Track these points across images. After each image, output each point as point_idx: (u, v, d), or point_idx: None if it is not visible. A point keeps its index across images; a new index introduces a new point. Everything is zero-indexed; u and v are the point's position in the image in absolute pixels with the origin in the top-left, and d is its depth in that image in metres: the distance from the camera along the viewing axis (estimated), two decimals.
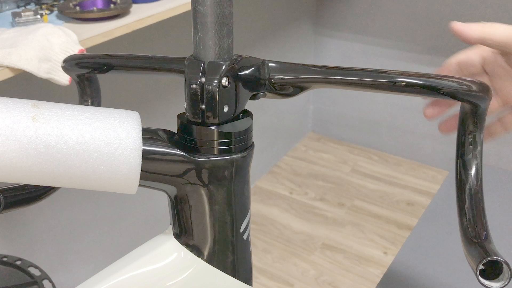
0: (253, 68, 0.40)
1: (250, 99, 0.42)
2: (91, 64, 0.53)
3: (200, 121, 0.39)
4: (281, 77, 0.41)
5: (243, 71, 0.39)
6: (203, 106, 0.38)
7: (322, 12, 2.32)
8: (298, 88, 0.42)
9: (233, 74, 0.38)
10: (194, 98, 0.38)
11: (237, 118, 0.40)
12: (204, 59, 0.38)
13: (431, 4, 2.03)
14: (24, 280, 1.03)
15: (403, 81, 0.38)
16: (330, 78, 0.41)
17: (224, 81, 0.38)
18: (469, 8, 1.95)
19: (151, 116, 1.58)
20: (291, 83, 0.42)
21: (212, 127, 0.39)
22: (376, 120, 2.36)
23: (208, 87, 0.37)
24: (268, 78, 0.41)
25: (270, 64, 0.42)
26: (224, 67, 0.38)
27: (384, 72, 0.39)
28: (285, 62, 0.42)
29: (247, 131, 0.41)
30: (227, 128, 0.39)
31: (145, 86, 1.55)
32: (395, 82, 0.38)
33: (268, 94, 0.43)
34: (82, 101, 0.57)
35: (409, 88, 0.38)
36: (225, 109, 0.38)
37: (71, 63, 0.54)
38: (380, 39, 2.20)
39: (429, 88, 0.38)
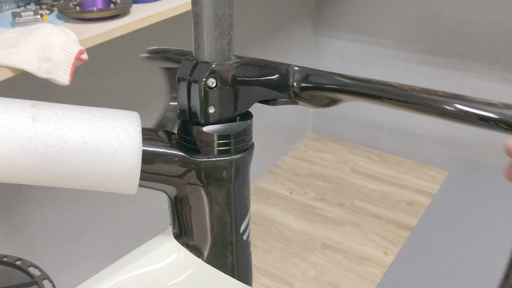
0: (259, 72, 0.39)
1: (269, 104, 0.42)
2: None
3: (187, 119, 0.39)
4: (306, 85, 0.40)
5: (244, 75, 0.39)
6: (189, 105, 0.38)
7: (322, 12, 2.32)
8: (330, 101, 0.40)
9: (225, 75, 0.38)
10: (182, 96, 0.38)
11: (236, 119, 0.40)
12: (198, 59, 0.38)
13: (430, 5, 2.03)
14: (24, 280, 1.03)
15: (475, 114, 0.32)
16: (373, 95, 0.36)
17: (211, 82, 0.37)
18: (468, 7, 1.95)
19: (151, 116, 1.58)
20: (321, 94, 0.39)
21: (204, 128, 0.38)
22: (376, 120, 2.36)
23: (193, 86, 0.37)
24: (292, 85, 0.40)
25: (295, 68, 0.40)
26: (211, 68, 0.37)
27: (441, 95, 0.33)
28: (320, 71, 0.40)
29: (247, 132, 0.40)
30: (225, 129, 0.39)
31: (145, 86, 1.55)
32: (462, 111, 0.32)
33: (299, 102, 0.41)
34: (171, 95, 0.55)
35: (476, 121, 0.32)
36: (211, 110, 0.38)
37: (157, 56, 0.52)
38: (380, 39, 2.20)
39: (502, 123, 0.32)
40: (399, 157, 2.35)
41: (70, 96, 1.30)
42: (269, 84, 0.40)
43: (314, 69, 0.40)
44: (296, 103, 0.42)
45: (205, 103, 0.38)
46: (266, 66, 0.40)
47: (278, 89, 0.41)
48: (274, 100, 0.41)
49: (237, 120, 0.40)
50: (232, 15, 0.38)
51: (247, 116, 0.41)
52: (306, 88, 0.40)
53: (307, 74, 0.40)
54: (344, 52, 2.32)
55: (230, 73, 0.38)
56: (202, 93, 0.37)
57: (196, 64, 0.38)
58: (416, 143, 2.29)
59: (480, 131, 2.11)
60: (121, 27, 1.06)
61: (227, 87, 0.38)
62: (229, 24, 0.38)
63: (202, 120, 0.38)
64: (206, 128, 0.38)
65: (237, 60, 0.39)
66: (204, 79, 0.37)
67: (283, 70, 0.40)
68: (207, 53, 0.38)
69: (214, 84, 0.37)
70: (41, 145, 0.34)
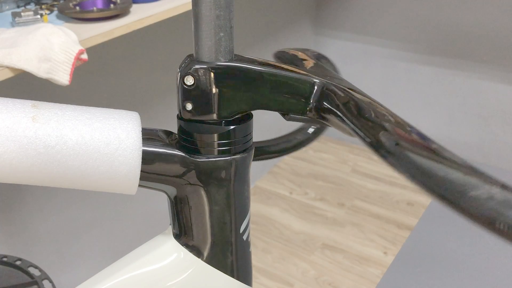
0: (253, 79, 0.38)
1: (284, 116, 0.40)
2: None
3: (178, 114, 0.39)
4: (328, 107, 0.36)
5: (229, 79, 0.38)
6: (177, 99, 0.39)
7: (322, 12, 2.32)
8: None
9: (202, 75, 0.37)
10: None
11: (236, 119, 0.40)
12: (192, 56, 0.39)
13: (430, 5, 2.03)
14: (24, 280, 1.03)
15: None
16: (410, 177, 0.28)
17: (188, 80, 0.37)
18: (469, 7, 1.95)
19: (151, 116, 1.58)
20: (340, 124, 0.35)
21: (187, 125, 0.39)
22: None
23: (178, 81, 0.38)
24: (310, 102, 0.37)
25: (317, 81, 0.37)
26: (191, 66, 0.37)
27: None
28: (355, 95, 0.35)
29: (246, 132, 0.40)
30: (225, 129, 0.39)
31: (145, 86, 1.55)
32: None
33: (322, 123, 0.38)
34: None
35: None
36: (188, 107, 0.38)
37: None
38: (380, 39, 2.20)
39: None
40: None
41: (70, 96, 1.30)
42: (270, 94, 0.38)
43: (348, 90, 0.36)
44: (319, 123, 0.39)
45: (182, 99, 0.38)
46: (271, 75, 0.38)
47: (287, 102, 0.38)
48: (286, 113, 0.39)
49: (237, 120, 0.40)
50: (222, 17, 0.37)
51: (247, 116, 0.41)
52: (327, 111, 0.37)
53: (334, 93, 0.36)
54: (344, 52, 2.32)
55: (208, 74, 0.37)
56: (180, 90, 0.38)
57: (187, 61, 0.38)
58: None
59: (480, 131, 2.11)
60: (121, 27, 1.06)
61: (205, 88, 0.37)
62: (216, 25, 0.37)
63: (181, 115, 0.39)
64: (206, 127, 0.38)
65: (224, 62, 0.38)
66: (183, 76, 0.37)
67: (300, 82, 0.38)
68: (196, 52, 0.38)
69: (191, 82, 0.37)
70: (41, 145, 0.34)
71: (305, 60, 0.46)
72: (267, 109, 0.39)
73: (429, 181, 0.27)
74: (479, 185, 0.25)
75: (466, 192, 0.25)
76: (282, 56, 0.49)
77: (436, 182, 0.26)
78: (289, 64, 0.45)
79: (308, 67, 0.43)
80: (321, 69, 0.42)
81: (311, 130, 0.56)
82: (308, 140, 0.56)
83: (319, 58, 0.50)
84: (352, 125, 0.33)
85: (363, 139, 0.32)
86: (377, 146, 0.30)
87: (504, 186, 0.25)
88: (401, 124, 0.31)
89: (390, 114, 0.32)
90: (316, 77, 0.38)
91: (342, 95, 0.36)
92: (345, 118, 0.34)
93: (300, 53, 0.48)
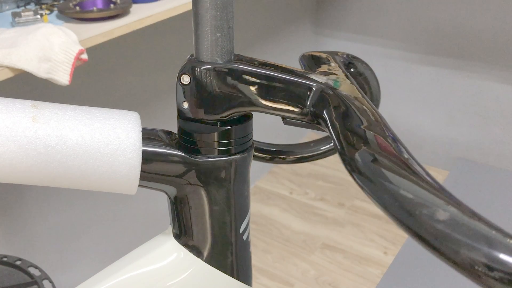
0: (247, 82, 0.37)
1: (283, 121, 0.39)
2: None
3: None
4: (323, 115, 0.35)
5: (223, 81, 0.37)
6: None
7: (322, 12, 2.32)
8: None
9: (196, 75, 0.37)
10: None
11: (235, 119, 0.40)
12: (193, 56, 0.39)
13: (430, 5, 2.03)
14: (24, 280, 1.03)
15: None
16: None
17: (184, 78, 0.38)
18: (468, 7, 1.95)
19: (151, 116, 1.58)
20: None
21: (185, 123, 0.39)
22: None
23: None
24: (305, 107, 0.37)
25: (314, 85, 0.36)
26: (187, 65, 0.37)
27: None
28: (353, 104, 0.33)
29: (246, 132, 0.40)
30: (225, 128, 0.39)
31: (145, 86, 1.55)
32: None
33: (321, 129, 0.36)
34: None
35: None
36: (184, 106, 0.38)
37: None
38: (380, 39, 2.20)
39: None
40: None
41: (70, 96, 1.30)
42: (265, 97, 0.38)
43: (342, 95, 0.35)
44: (316, 129, 0.38)
45: (178, 97, 0.38)
46: (266, 77, 0.38)
47: (283, 105, 0.38)
48: (283, 118, 0.39)
49: (237, 120, 0.40)
50: (219, 17, 0.36)
51: (247, 116, 0.41)
52: (320, 117, 0.36)
53: (330, 98, 0.35)
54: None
55: (204, 74, 0.37)
56: (177, 88, 0.38)
57: (186, 60, 0.38)
58: (416, 143, 2.29)
59: (480, 131, 2.11)
60: (121, 27, 1.06)
61: (199, 87, 0.38)
62: (213, 26, 0.37)
63: (179, 115, 0.39)
64: (206, 127, 0.38)
65: (221, 63, 0.37)
66: (181, 74, 0.38)
67: (296, 85, 0.37)
68: (195, 52, 0.38)
69: (187, 81, 0.38)
70: (41, 145, 0.34)
71: (324, 63, 0.44)
72: (263, 112, 0.39)
73: (383, 198, 0.26)
74: (434, 204, 0.24)
75: (416, 211, 0.24)
76: (303, 58, 0.47)
77: (389, 198, 0.26)
78: (307, 68, 0.44)
79: (321, 71, 0.42)
80: (337, 74, 0.41)
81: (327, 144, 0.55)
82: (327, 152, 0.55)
83: (351, 61, 0.49)
84: (332, 132, 0.32)
85: (336, 147, 0.31)
86: (345, 159, 0.30)
87: (464, 210, 0.24)
88: (379, 145, 0.30)
89: (375, 131, 0.31)
90: (315, 81, 0.37)
91: (334, 100, 0.35)
92: (329, 124, 0.33)
93: (324, 55, 0.47)
